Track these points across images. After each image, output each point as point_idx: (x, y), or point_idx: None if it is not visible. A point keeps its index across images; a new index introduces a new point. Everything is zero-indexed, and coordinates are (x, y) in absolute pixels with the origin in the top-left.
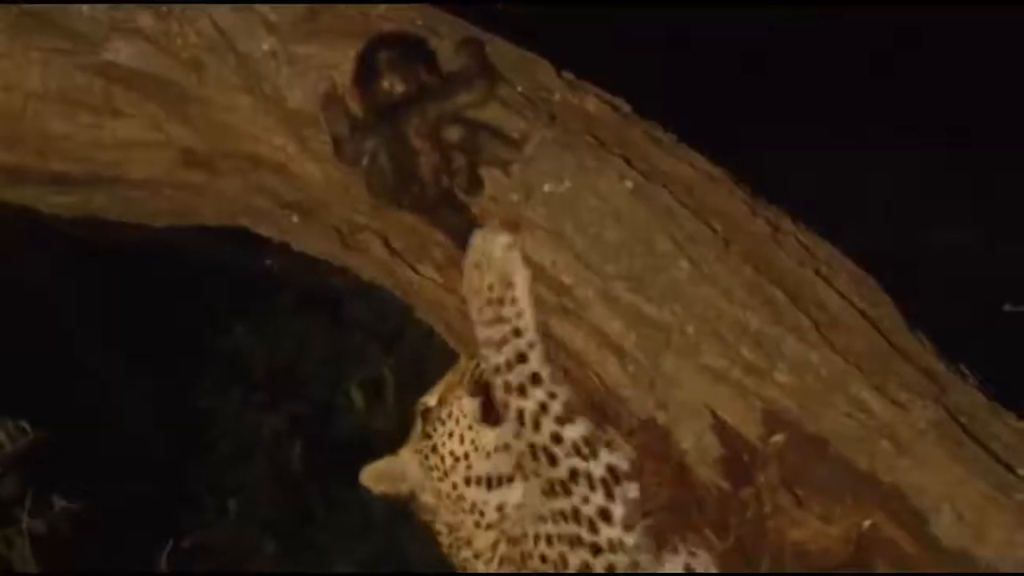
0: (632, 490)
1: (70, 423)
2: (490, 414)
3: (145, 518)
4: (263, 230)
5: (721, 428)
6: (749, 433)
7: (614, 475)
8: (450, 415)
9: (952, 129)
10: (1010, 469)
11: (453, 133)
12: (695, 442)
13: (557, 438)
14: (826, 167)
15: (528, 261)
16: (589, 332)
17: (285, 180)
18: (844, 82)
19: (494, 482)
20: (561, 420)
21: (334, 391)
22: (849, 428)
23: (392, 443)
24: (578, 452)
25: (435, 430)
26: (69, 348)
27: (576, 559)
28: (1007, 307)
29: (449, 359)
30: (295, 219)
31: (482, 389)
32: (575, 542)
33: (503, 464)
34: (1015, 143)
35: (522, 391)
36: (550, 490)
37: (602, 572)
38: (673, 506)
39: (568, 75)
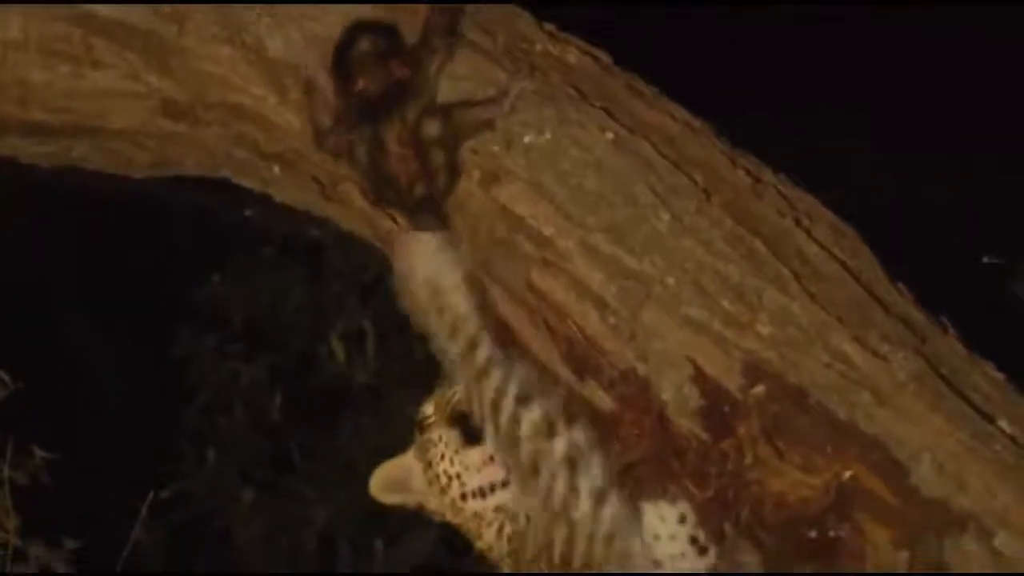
0: (596, 464)
1: (49, 374)
2: (471, 438)
3: (125, 468)
4: (244, 181)
5: (701, 379)
6: (729, 384)
7: (577, 449)
8: (440, 438)
9: (926, 82)
10: (989, 420)
11: (432, 128)
12: (675, 393)
13: (516, 418)
14: (802, 120)
15: (509, 212)
16: (569, 283)
17: (266, 131)
18: (822, 36)
19: (488, 491)
20: (520, 400)
21: (313, 341)
22: (830, 379)
23: (372, 393)
24: (538, 431)
25: (430, 448)
26: (47, 299)
27: (560, 534)
28: (985, 259)
29: None
30: (276, 170)
31: (459, 417)
32: (555, 519)
33: (494, 473)
34: (990, 92)
35: (480, 377)
36: (525, 473)
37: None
38: (653, 457)
39: (549, 27)
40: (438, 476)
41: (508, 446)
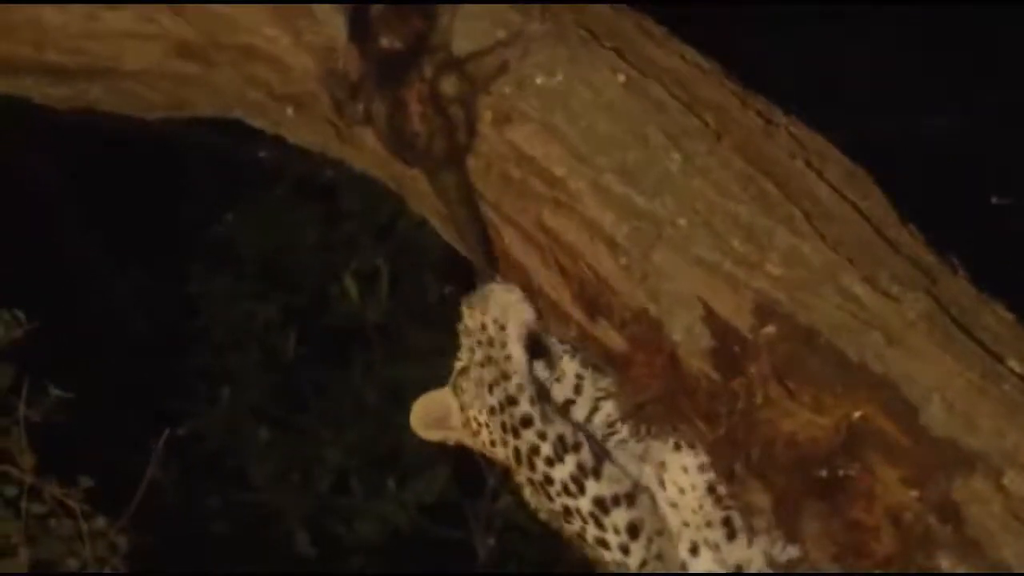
0: (622, 514)
1: (64, 313)
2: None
3: (139, 406)
4: (257, 122)
5: (712, 319)
6: (740, 324)
7: (602, 506)
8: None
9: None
10: (999, 359)
11: (449, 84)
12: (686, 334)
13: (548, 479)
14: (808, 54)
15: (521, 153)
16: (581, 224)
17: (279, 72)
18: None
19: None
20: (551, 461)
21: (327, 281)
22: (840, 319)
23: (385, 332)
24: (567, 491)
25: (462, 394)
26: (62, 238)
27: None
28: (995, 199)
29: (441, 250)
30: (289, 111)
31: None
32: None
33: None
34: (999, 28)
35: (515, 432)
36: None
37: None
38: (664, 397)
39: None
40: (469, 420)
41: (539, 494)
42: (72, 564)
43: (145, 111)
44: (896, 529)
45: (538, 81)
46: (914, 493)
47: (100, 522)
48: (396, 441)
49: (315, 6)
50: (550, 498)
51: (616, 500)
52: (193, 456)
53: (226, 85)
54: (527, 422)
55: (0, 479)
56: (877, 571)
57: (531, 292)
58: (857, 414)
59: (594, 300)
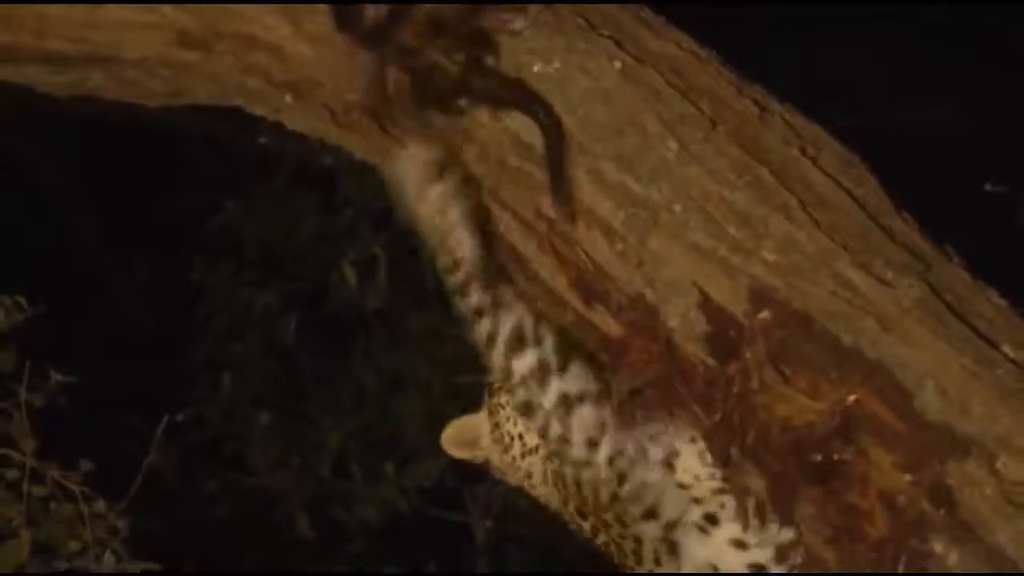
0: (586, 413)
1: (67, 299)
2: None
3: (141, 391)
4: (257, 109)
5: (708, 305)
6: (736, 310)
7: (566, 402)
8: (507, 401)
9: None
10: (993, 345)
11: (449, 16)
12: (682, 319)
13: (508, 372)
14: (801, 45)
15: (519, 140)
16: (578, 211)
17: (278, 60)
18: None
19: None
20: (511, 348)
21: (326, 269)
22: (835, 305)
23: (384, 318)
24: (529, 381)
25: (498, 411)
26: (65, 225)
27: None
28: (988, 186)
29: None
30: (288, 99)
31: None
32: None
33: None
34: (997, 19)
35: (472, 322)
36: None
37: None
38: (661, 382)
39: None
40: (503, 436)
41: (506, 386)
42: (72, 546)
43: (146, 99)
44: (890, 512)
45: (535, 69)
46: (908, 477)
47: (100, 505)
48: (395, 426)
49: None
50: (510, 389)
51: (581, 398)
52: (194, 441)
53: (226, 73)
54: (481, 311)
55: (2, 462)
56: (872, 554)
57: (529, 276)
58: (852, 399)
59: (591, 286)
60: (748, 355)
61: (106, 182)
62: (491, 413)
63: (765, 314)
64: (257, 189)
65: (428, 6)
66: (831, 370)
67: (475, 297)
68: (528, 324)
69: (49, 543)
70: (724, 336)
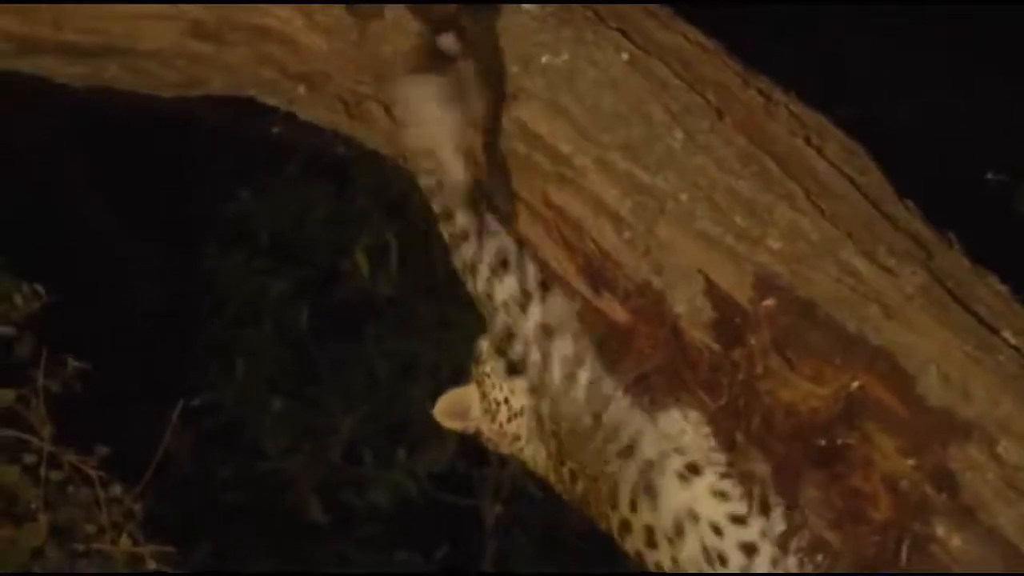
0: (565, 344)
1: (83, 287)
2: (515, 366)
3: (156, 378)
4: (270, 100)
5: (714, 292)
6: (741, 297)
7: (546, 330)
8: (491, 369)
9: None
10: (994, 331)
11: None
12: (688, 306)
13: (490, 297)
14: (808, 34)
15: (527, 130)
16: (586, 199)
17: (292, 52)
18: None
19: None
20: (493, 271)
21: (338, 256)
22: (839, 292)
23: (395, 305)
24: (510, 304)
25: (484, 380)
26: (81, 214)
27: (544, 409)
28: (989, 175)
29: None
30: (301, 90)
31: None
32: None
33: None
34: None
35: (455, 246)
36: (502, 341)
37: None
38: (667, 368)
39: None
40: (489, 404)
41: (486, 312)
42: (89, 529)
43: (160, 89)
44: (893, 496)
45: (544, 60)
46: (911, 461)
47: (117, 489)
48: (406, 412)
49: None
50: (492, 313)
51: (561, 328)
52: (208, 426)
53: (240, 64)
54: (466, 233)
55: (20, 447)
56: (875, 538)
57: (538, 264)
58: (855, 384)
59: (598, 273)
60: (753, 341)
61: (120, 172)
62: (478, 383)
63: (770, 301)
64: (270, 178)
65: None
66: (835, 356)
67: (460, 220)
68: (511, 250)
69: (66, 526)
70: (730, 323)
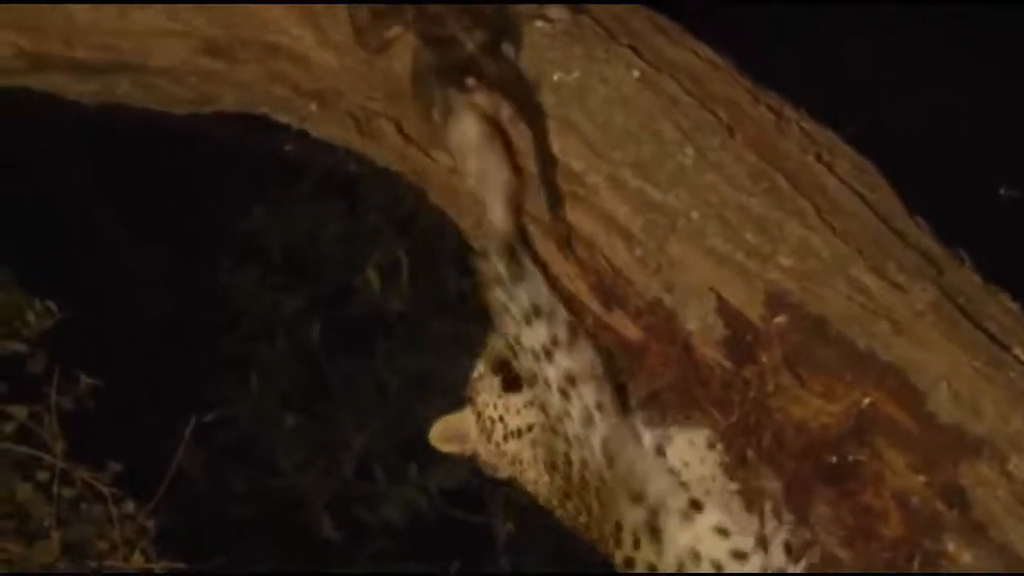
0: (588, 391)
1: (96, 304)
2: (512, 384)
3: (169, 394)
4: (282, 117)
5: (725, 310)
6: (752, 314)
7: (570, 379)
8: (486, 386)
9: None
10: (1005, 348)
11: None
12: (700, 323)
13: (518, 341)
14: (815, 47)
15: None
16: (598, 217)
17: (303, 69)
18: None
19: (525, 430)
20: (525, 318)
21: (350, 272)
22: (849, 309)
23: (406, 321)
24: (536, 354)
25: (478, 398)
26: (96, 231)
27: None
28: (1002, 191)
29: (461, 241)
30: (313, 107)
31: (501, 365)
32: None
33: (532, 415)
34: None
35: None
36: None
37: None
38: (678, 385)
39: None
40: (485, 423)
41: (513, 353)
42: (102, 546)
43: (172, 106)
44: (904, 513)
45: (555, 78)
46: (922, 478)
47: (129, 506)
48: (418, 428)
49: None
50: (516, 354)
51: (584, 376)
52: (221, 442)
53: (252, 81)
54: (500, 279)
55: (33, 464)
56: (886, 554)
57: (550, 282)
58: (866, 401)
59: (610, 290)
60: (764, 358)
61: (132, 188)
62: (472, 403)
63: (781, 318)
64: (283, 195)
65: None
66: (846, 373)
67: (497, 264)
68: (544, 298)
69: (79, 543)
70: (741, 340)
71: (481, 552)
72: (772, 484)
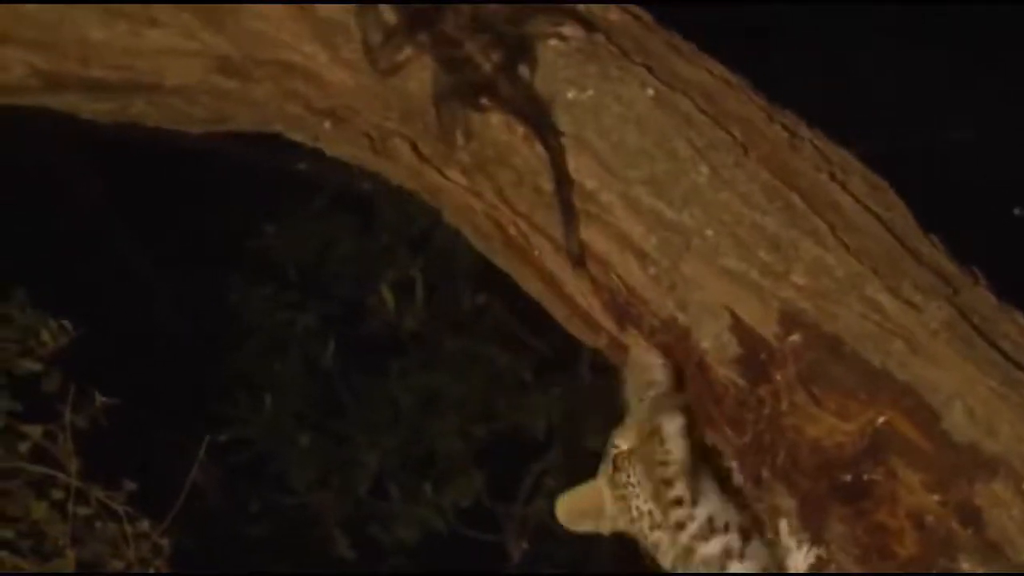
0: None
1: (110, 322)
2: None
3: (183, 412)
4: (296, 136)
5: (739, 328)
6: (766, 333)
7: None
8: (632, 473)
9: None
10: (1019, 367)
11: (496, 16)
12: (714, 342)
13: (690, 553)
14: (827, 62)
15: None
16: (612, 235)
17: (317, 87)
18: None
19: (676, 529)
20: (702, 537)
21: (364, 290)
22: (864, 328)
23: (420, 340)
24: (706, 565)
25: (622, 483)
26: (109, 250)
27: None
28: (1017, 211)
29: (475, 260)
30: (327, 125)
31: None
32: None
33: (684, 514)
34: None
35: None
36: None
37: None
38: (693, 404)
39: None
40: (630, 508)
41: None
42: (116, 565)
43: (186, 125)
44: (919, 532)
45: (569, 96)
46: (936, 497)
47: (144, 524)
48: (432, 446)
49: None
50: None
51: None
52: (235, 460)
53: (265, 100)
54: (679, 502)
55: (47, 483)
56: (901, 573)
57: (565, 300)
58: (881, 420)
59: (624, 309)
60: (779, 377)
61: (148, 206)
62: (615, 486)
63: (795, 337)
64: (296, 212)
65: (479, 2)
66: (860, 392)
67: (678, 490)
68: (719, 514)
69: (93, 562)
70: (755, 358)
71: (495, 571)
72: (787, 502)
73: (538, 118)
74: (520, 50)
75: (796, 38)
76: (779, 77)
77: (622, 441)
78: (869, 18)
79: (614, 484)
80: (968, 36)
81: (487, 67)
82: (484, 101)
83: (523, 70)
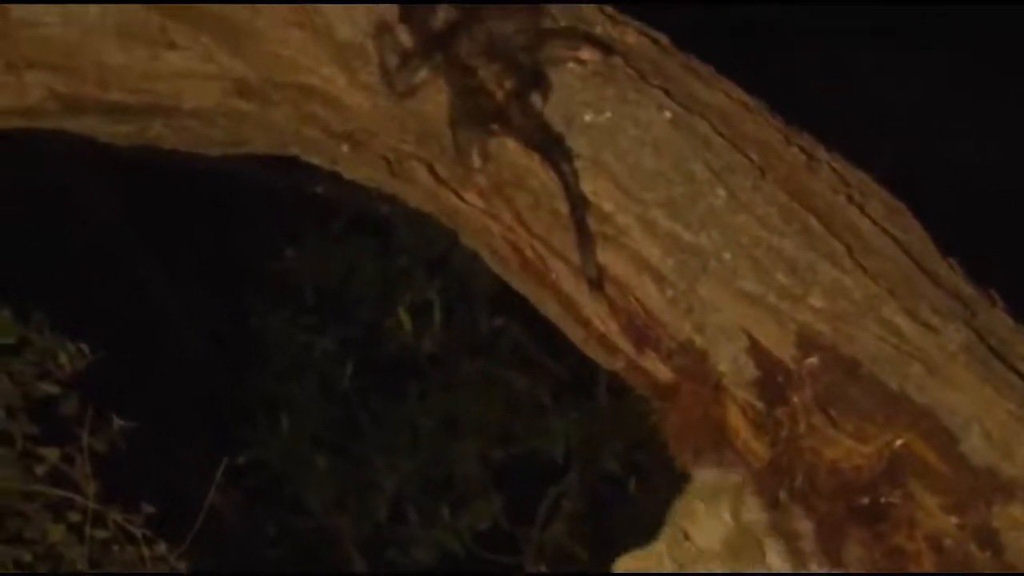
0: None
1: (129, 345)
2: None
3: (201, 435)
4: (313, 159)
5: (757, 351)
6: (784, 355)
7: None
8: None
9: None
10: None
11: (506, 32)
12: (731, 364)
13: None
14: (843, 76)
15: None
16: (629, 258)
17: (335, 110)
18: None
19: None
20: None
21: (382, 313)
22: (881, 350)
23: (438, 362)
24: None
25: (691, 553)
26: (127, 271)
27: None
28: None
29: (493, 282)
30: (345, 148)
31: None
32: None
33: None
34: None
35: None
36: None
37: None
38: (710, 426)
39: (610, 10)
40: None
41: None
42: None
43: (204, 147)
44: (936, 555)
45: (586, 119)
46: (954, 519)
47: (161, 547)
48: (449, 469)
49: None
50: None
51: None
52: (253, 483)
53: (283, 123)
54: None
55: (65, 506)
56: None
57: (582, 323)
58: (898, 443)
59: (641, 331)
60: (796, 399)
61: (167, 229)
62: (672, 542)
63: (813, 359)
64: (315, 235)
65: (495, 27)
66: (878, 414)
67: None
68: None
69: None
70: (773, 381)
71: None
72: (804, 525)
73: (549, 146)
74: (533, 78)
75: (796, 38)
76: (779, 77)
77: (696, 502)
78: (868, 18)
79: (676, 543)
80: (967, 36)
81: (499, 95)
82: (495, 127)
83: (536, 98)
